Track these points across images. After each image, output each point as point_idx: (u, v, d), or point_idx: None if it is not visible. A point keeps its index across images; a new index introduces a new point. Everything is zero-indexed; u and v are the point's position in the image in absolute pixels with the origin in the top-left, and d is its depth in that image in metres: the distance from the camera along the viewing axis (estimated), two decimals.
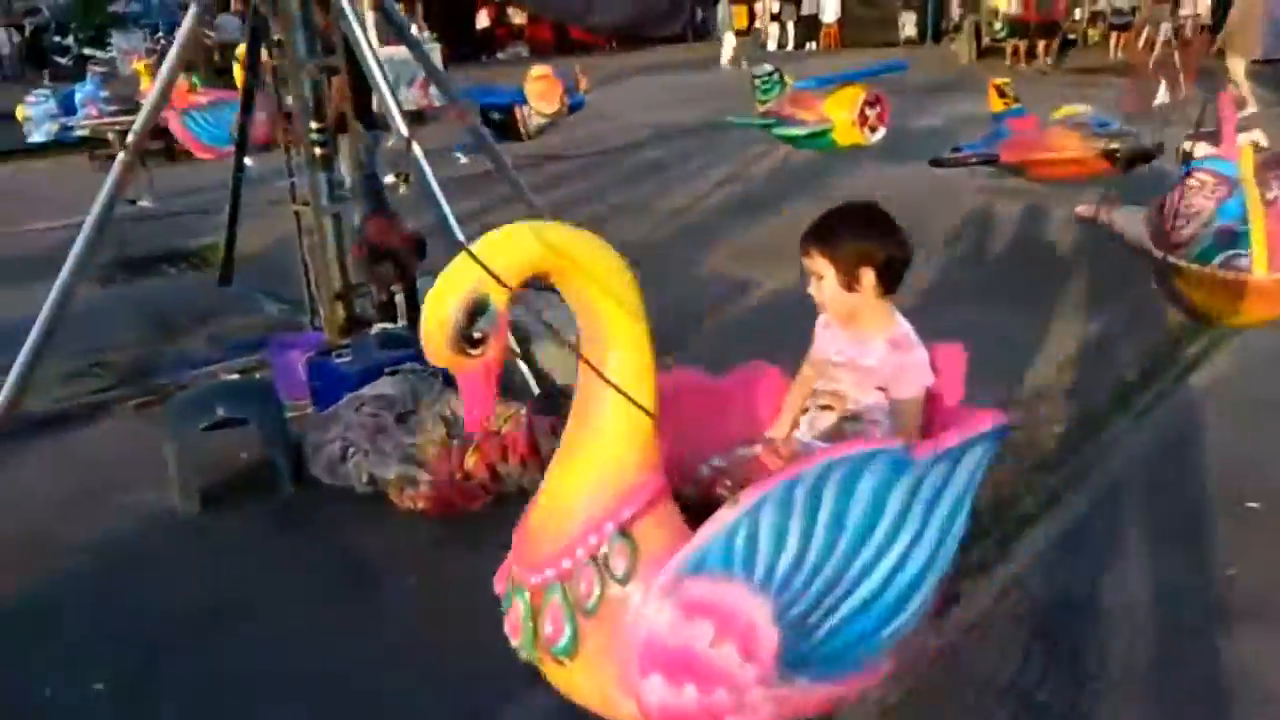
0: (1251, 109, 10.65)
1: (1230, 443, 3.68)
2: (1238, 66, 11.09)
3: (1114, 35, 18.35)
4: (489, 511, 3.57)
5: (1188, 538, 3.07)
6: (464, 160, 9.48)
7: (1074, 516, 3.26)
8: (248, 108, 5.75)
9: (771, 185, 9.36)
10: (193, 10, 5.02)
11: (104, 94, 11.95)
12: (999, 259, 6.66)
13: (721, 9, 22.51)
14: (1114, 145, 6.50)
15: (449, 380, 4.16)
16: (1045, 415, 4.15)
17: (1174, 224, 3.89)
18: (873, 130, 7.77)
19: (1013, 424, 1.98)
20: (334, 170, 5.04)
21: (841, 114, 7.78)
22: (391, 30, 5.98)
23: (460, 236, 4.54)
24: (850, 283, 2.19)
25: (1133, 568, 2.92)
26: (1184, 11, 14.45)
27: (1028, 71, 16.63)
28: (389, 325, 4.59)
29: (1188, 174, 3.98)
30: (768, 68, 8.59)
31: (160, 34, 21.32)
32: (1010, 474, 3.64)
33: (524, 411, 3.87)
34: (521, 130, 9.40)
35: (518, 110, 9.29)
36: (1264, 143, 4.77)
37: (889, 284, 2.21)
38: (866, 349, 2.26)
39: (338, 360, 4.25)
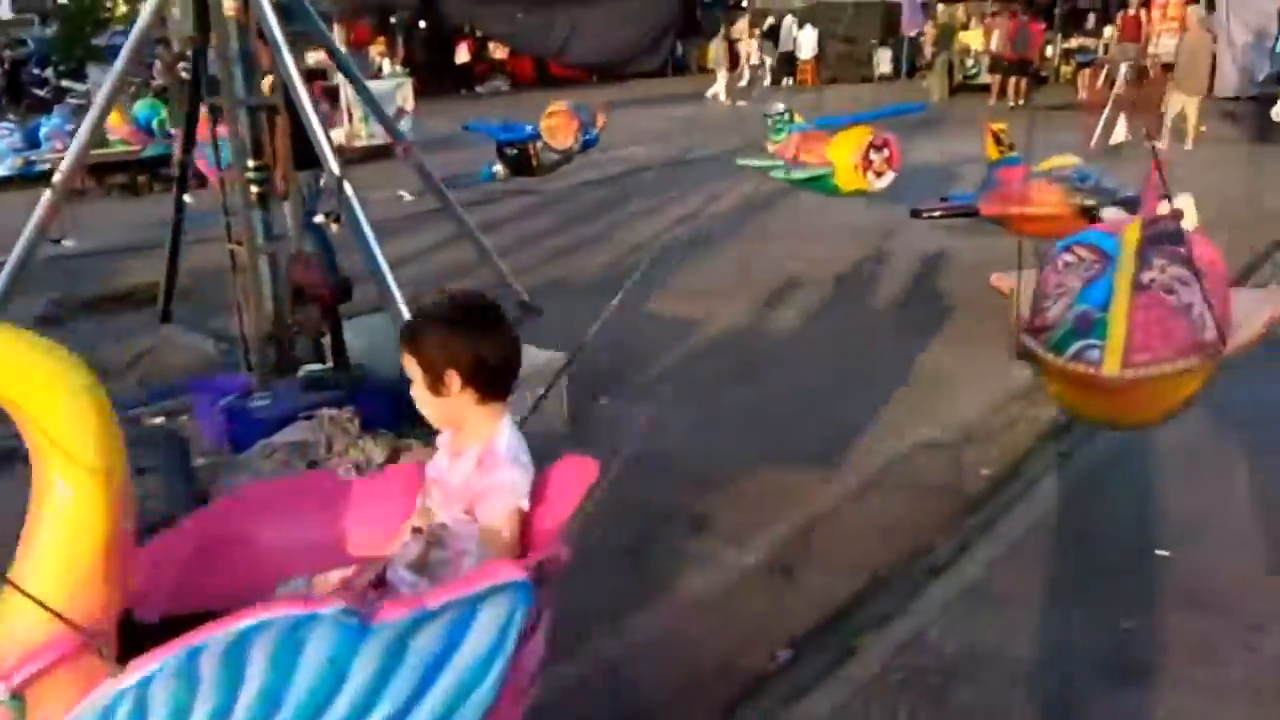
0: (1187, 145, 10.79)
1: (1149, 488, 3.66)
2: (1189, 104, 11.25)
3: (1081, 73, 18.57)
4: None
5: (1092, 588, 3.03)
6: (408, 198, 9.45)
7: (984, 565, 3.22)
8: (188, 146, 5.76)
9: (733, 222, 9.36)
10: (126, 47, 5.03)
11: (69, 128, 11.92)
12: (950, 300, 6.64)
13: (715, 45, 22.65)
14: (1089, 202, 6.02)
15: (365, 425, 4.11)
16: (972, 457, 4.13)
17: (1042, 304, 3.29)
18: (878, 175, 7.33)
19: (542, 573, 1.75)
20: (270, 209, 5.03)
21: (843, 157, 7.33)
22: (335, 64, 5.93)
23: (389, 277, 4.52)
24: (437, 386, 1.91)
25: (1032, 621, 2.88)
26: (1152, 50, 14.65)
27: (1001, 107, 16.83)
28: (315, 368, 4.55)
29: (1065, 248, 3.44)
30: (779, 107, 8.18)
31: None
32: (930, 519, 3.61)
33: None
34: (535, 165, 9.23)
35: (531, 146, 9.12)
36: (1191, 214, 4.27)
37: (484, 389, 1.91)
38: (457, 463, 1.99)
39: (255, 405, 4.19)
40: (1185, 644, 2.74)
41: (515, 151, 9.14)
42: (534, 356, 4.60)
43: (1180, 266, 3.06)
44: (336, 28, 13.03)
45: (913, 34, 21.96)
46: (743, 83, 22.49)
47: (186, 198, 5.79)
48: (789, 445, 4.38)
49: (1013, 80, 17.96)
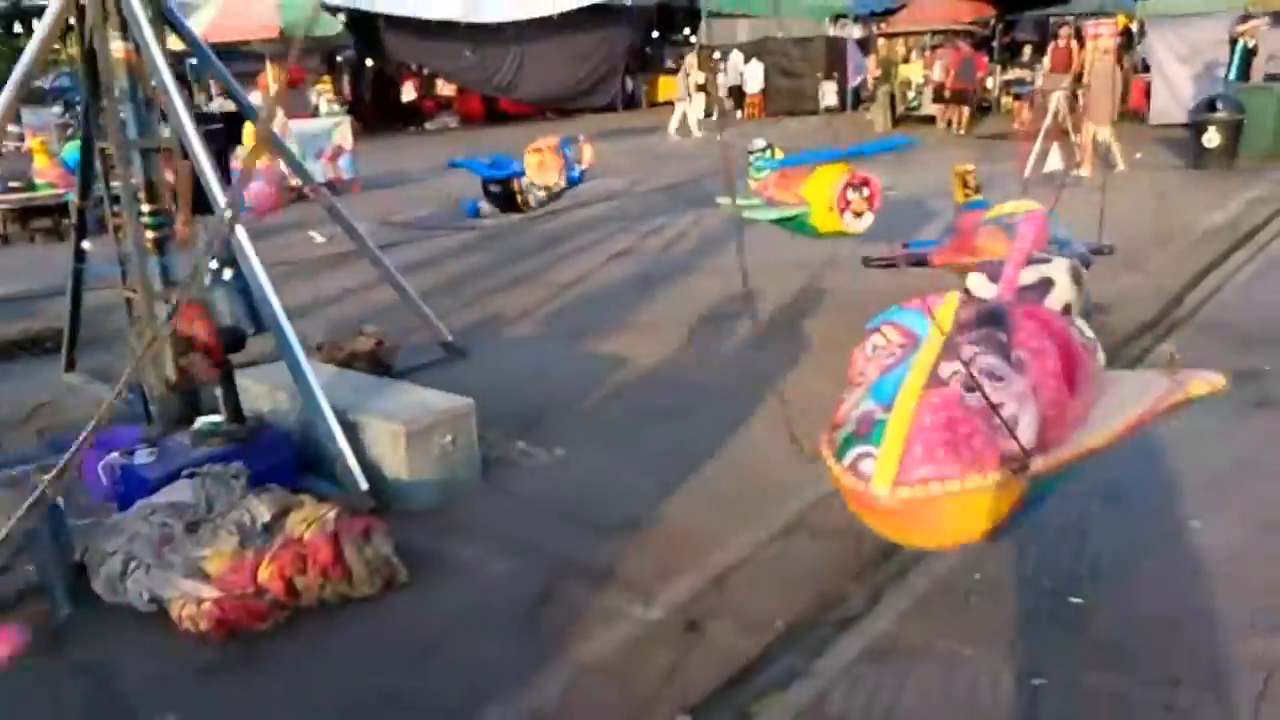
0: (1120, 167, 10.79)
1: (1065, 534, 3.51)
2: (1101, 132, 11.41)
3: (1017, 104, 18.85)
4: (282, 630, 3.30)
5: (1003, 641, 2.88)
6: (320, 239, 9.18)
7: (893, 617, 3.06)
8: (85, 191, 5.52)
9: (676, 256, 9.21)
10: (11, 83, 4.83)
11: None
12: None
13: (681, 80, 22.59)
14: (1034, 253, 5.56)
15: (259, 480, 3.88)
16: None
17: (843, 394, 2.74)
18: (857, 216, 6.70)
19: None
20: (168, 254, 4.83)
21: (819, 196, 6.72)
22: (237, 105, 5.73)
23: (286, 325, 4.30)
24: None
25: (940, 679, 2.72)
26: (1086, 80, 14.87)
27: (947, 136, 17.00)
28: (210, 419, 4.31)
29: (875, 328, 2.87)
30: (760, 143, 7.57)
31: (76, 109, 20.91)
32: (843, 568, 3.46)
33: (332, 514, 3.60)
34: (520, 202, 8.70)
35: (515, 183, 8.65)
36: (1064, 285, 3.45)
37: None
38: None
39: (140, 461, 3.95)
40: (1100, 702, 2.60)
41: (499, 188, 8.83)
42: (436, 402, 4.41)
43: (996, 357, 2.48)
44: (270, 67, 12.85)
45: (857, 82, 22.28)
46: (700, 115, 22.44)
47: (86, 244, 5.56)
48: (706, 489, 4.22)
49: (956, 110, 18.18)
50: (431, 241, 10.22)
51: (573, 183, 8.58)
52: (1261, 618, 2.93)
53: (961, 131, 17.54)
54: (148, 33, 4.40)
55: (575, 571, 3.61)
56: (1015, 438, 2.32)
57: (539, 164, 8.62)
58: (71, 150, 13.67)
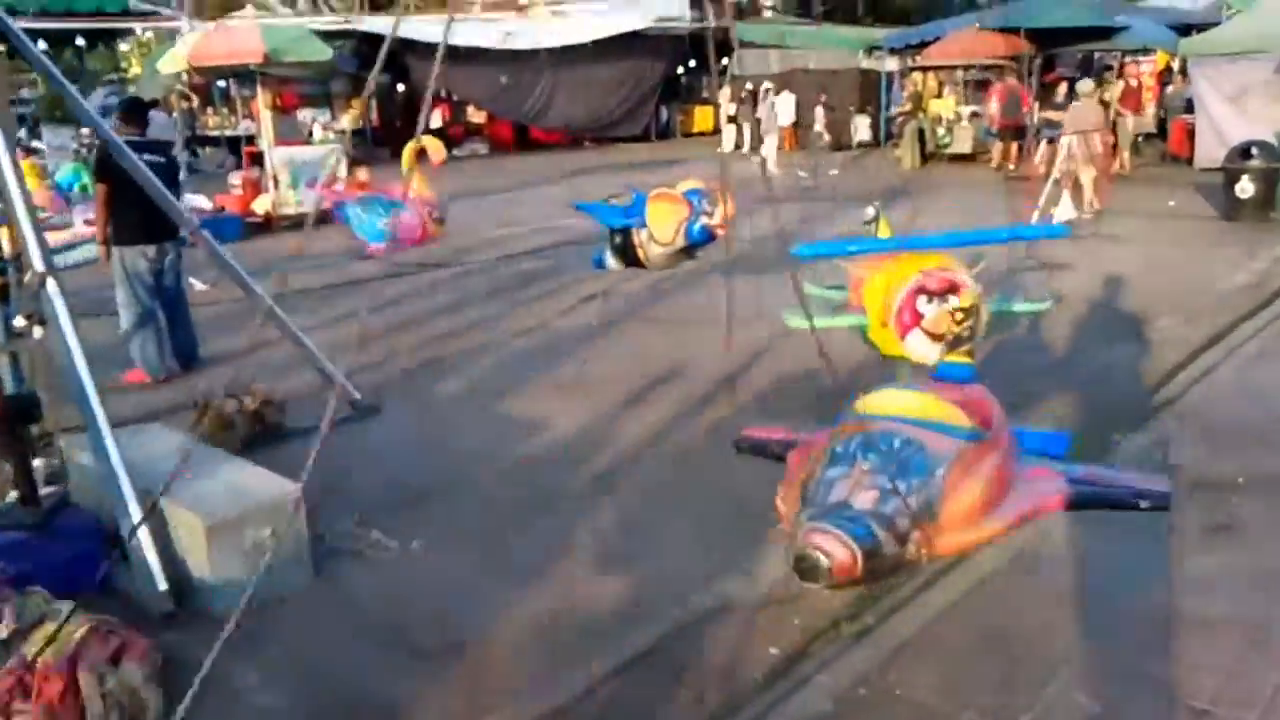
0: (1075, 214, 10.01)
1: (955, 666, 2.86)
2: (1084, 174, 10.85)
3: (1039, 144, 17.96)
4: None
5: None
6: (201, 287, 8.57)
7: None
8: None
9: (638, 306, 8.55)
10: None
11: None
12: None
13: (765, 110, 21.88)
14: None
15: (50, 576, 3.38)
16: (765, 627, 3.39)
17: None
18: (934, 339, 4.44)
19: None
20: (10, 303, 4.41)
21: (874, 304, 4.83)
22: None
23: (91, 389, 3.81)
24: None
25: None
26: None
27: (995, 176, 16.12)
28: (10, 499, 3.84)
29: None
30: (870, 211, 5.94)
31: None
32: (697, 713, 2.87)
33: (80, 632, 3.07)
34: (640, 256, 7.23)
35: (635, 234, 7.19)
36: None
37: None
38: None
39: None
40: None
41: (620, 239, 7.50)
42: (260, 488, 3.86)
43: None
44: (261, 92, 12.59)
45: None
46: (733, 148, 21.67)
47: None
48: (568, 604, 3.62)
49: (999, 146, 17.35)
50: (404, 280, 9.78)
51: (694, 241, 6.92)
52: None
53: (995, 167, 16.73)
54: None
55: (365, 714, 3.06)
56: None
57: (660, 215, 7.04)
58: (65, 173, 13.58)
